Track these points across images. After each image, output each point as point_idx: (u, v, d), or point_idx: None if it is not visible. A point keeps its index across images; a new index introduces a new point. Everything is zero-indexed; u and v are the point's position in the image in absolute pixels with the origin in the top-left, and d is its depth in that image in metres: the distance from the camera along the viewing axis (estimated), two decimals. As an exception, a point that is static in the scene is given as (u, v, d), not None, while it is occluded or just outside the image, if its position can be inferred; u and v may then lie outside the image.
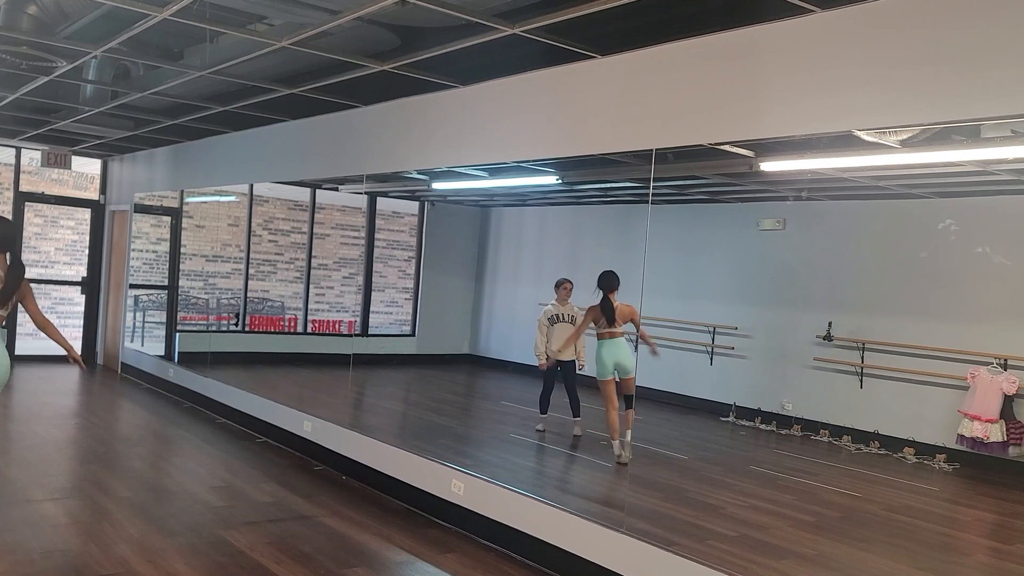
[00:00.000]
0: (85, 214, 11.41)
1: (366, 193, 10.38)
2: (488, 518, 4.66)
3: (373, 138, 6.10)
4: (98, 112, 7.27)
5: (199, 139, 8.55)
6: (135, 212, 10.26)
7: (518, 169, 6.54)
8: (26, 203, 10.62)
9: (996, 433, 6.59)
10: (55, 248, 12.62)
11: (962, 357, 6.92)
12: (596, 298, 6.34)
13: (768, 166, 5.53)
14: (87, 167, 11.53)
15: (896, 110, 3.18)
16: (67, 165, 10.17)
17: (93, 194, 11.38)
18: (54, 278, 12.43)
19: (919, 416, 7.12)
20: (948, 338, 7.04)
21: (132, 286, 10.35)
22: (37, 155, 10.21)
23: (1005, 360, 6.66)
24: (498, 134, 5.02)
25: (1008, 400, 6.59)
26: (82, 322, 11.20)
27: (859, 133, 3.84)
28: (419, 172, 7.28)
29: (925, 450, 6.93)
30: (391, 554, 4.49)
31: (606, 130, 4.30)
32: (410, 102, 5.70)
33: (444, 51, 4.47)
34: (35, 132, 8.87)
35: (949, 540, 5.21)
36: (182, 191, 9.55)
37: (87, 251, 11.26)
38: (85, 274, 11.19)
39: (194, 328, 10.40)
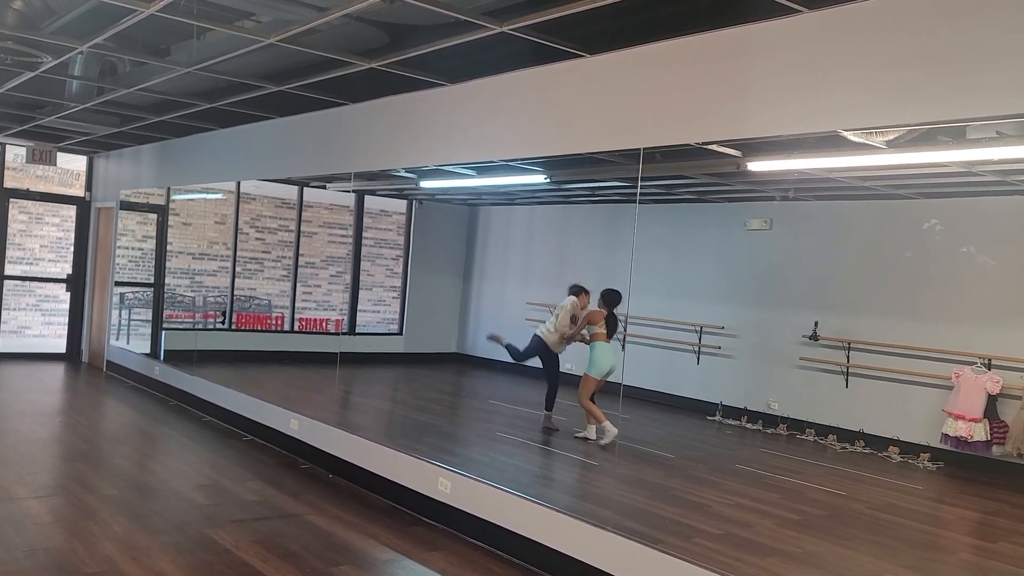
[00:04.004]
0: (70, 211, 11.33)
1: (354, 191, 10.35)
2: (475, 516, 4.66)
3: (361, 136, 6.09)
4: (84, 108, 7.22)
5: (186, 136, 8.51)
6: (121, 209, 10.19)
7: (506, 168, 6.54)
8: (11, 200, 10.54)
9: (980, 432, 6.64)
10: (40, 245, 12.52)
11: (946, 357, 6.97)
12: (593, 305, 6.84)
13: (755, 166, 5.56)
14: (73, 164, 11.44)
15: (883, 110, 3.21)
16: (52, 161, 10.08)
17: (79, 191, 11.29)
18: (39, 275, 12.34)
19: (904, 415, 7.17)
20: (933, 338, 7.09)
21: (118, 283, 10.28)
22: (22, 151, 10.11)
23: (989, 360, 6.72)
24: (486, 133, 5.02)
25: (992, 400, 6.64)
26: (67, 319, 11.12)
27: (846, 134, 3.86)
28: (407, 170, 7.28)
29: (910, 449, 6.98)
30: (377, 552, 4.49)
31: (594, 129, 4.31)
32: (398, 100, 5.69)
33: (432, 49, 4.47)
34: (20, 128, 8.79)
35: (933, 538, 5.25)
36: (168, 188, 9.49)
37: (72, 248, 11.18)
38: (70, 271, 11.11)
39: (180, 326, 10.34)
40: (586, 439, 6.65)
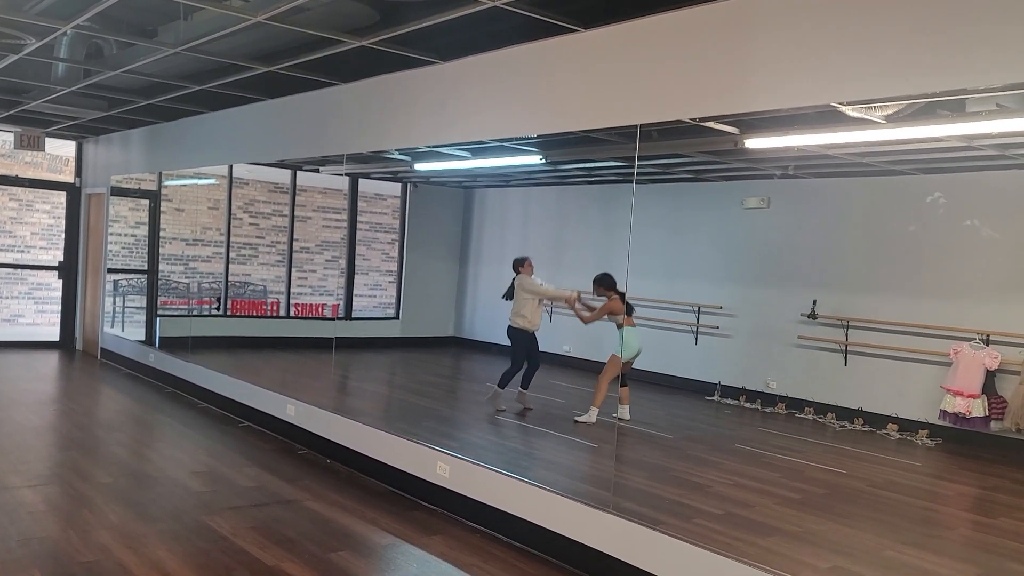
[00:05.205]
0: (61, 197, 11.22)
1: (347, 175, 10.26)
2: (474, 500, 4.63)
3: (353, 117, 6.00)
4: (71, 92, 7.11)
5: (176, 119, 8.40)
6: (112, 195, 10.09)
7: (501, 149, 6.46)
8: (0, 187, 10.42)
9: (978, 408, 6.64)
10: (31, 232, 12.42)
11: (945, 333, 6.94)
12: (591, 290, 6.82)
13: (753, 143, 5.49)
14: (62, 149, 11.31)
15: (885, 82, 3.14)
16: (40, 147, 9.97)
17: (68, 177, 11.18)
18: (30, 263, 12.25)
19: (902, 393, 7.15)
20: (931, 315, 7.06)
21: (110, 270, 10.20)
22: (10, 137, 9.99)
23: (987, 336, 6.70)
24: (480, 111, 4.93)
25: (990, 375, 6.63)
26: (60, 307, 11.04)
27: (844, 108, 3.80)
28: (401, 152, 7.18)
29: (908, 426, 6.98)
30: (376, 537, 4.45)
31: (590, 106, 4.23)
32: (390, 79, 5.60)
33: (424, 25, 4.38)
34: (7, 113, 8.67)
35: (933, 515, 5.24)
36: (160, 173, 9.39)
37: (63, 235, 11.08)
38: (62, 259, 11.01)
39: (175, 313, 10.27)
40: (621, 418, 6.72)
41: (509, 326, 7.01)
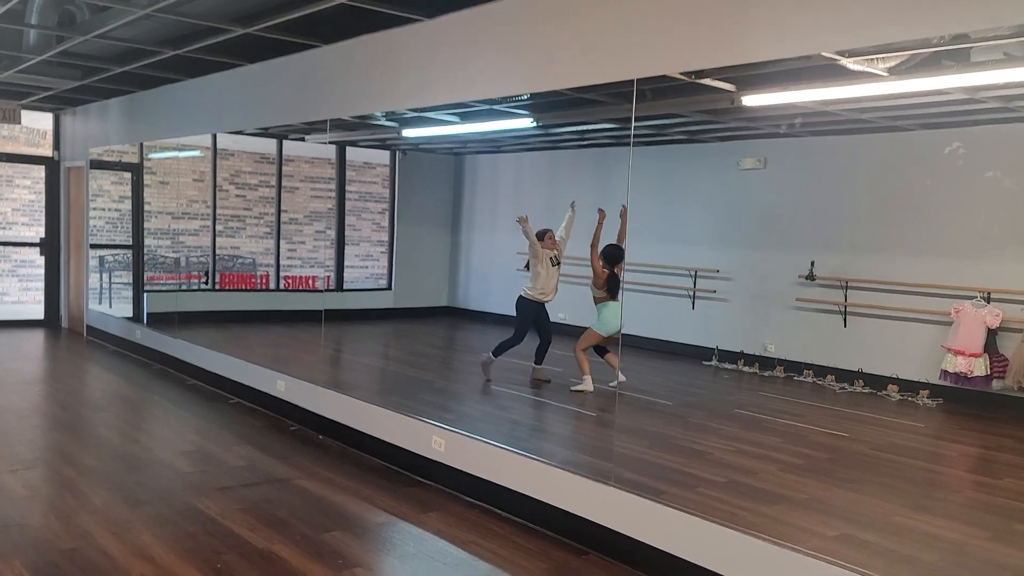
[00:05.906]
0: (41, 172, 10.95)
1: (333, 143, 10.01)
2: (471, 474, 4.51)
3: (336, 80, 5.77)
4: (42, 60, 6.84)
5: (154, 88, 8.13)
6: (92, 168, 9.83)
7: (491, 113, 6.26)
8: (-23, 162, 10.16)
9: (980, 367, 6.55)
10: (12, 209, 12.16)
11: (945, 292, 6.83)
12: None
13: (750, 100, 5.30)
14: (39, 122, 11.01)
15: (888, 28, 2.97)
16: (16, 120, 9.67)
17: (47, 150, 10.89)
18: (12, 240, 12.01)
19: (903, 353, 7.05)
20: (931, 273, 6.94)
21: (93, 246, 9.97)
22: (-16, 112, 9.70)
23: (988, 293, 6.58)
24: (468, 70, 4.72)
25: (992, 334, 6.53)
26: (43, 284, 10.83)
27: (845, 61, 3.63)
28: (387, 118, 6.97)
29: (909, 387, 6.89)
30: (371, 515, 4.33)
31: (585, 61, 4.03)
32: (373, 39, 5.37)
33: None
34: (-21, 86, 8.40)
35: (938, 477, 5.16)
36: (141, 144, 9.13)
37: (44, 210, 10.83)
38: (44, 235, 10.77)
39: (162, 288, 10.08)
40: (619, 382, 6.50)
41: (518, 296, 6.86)
